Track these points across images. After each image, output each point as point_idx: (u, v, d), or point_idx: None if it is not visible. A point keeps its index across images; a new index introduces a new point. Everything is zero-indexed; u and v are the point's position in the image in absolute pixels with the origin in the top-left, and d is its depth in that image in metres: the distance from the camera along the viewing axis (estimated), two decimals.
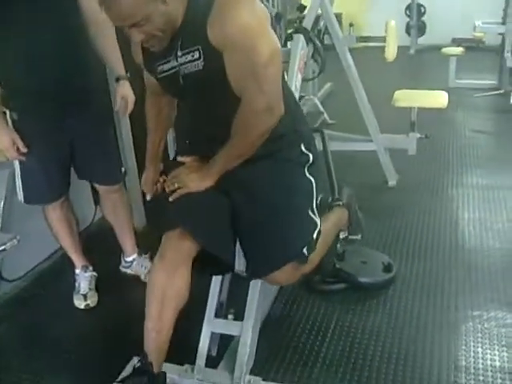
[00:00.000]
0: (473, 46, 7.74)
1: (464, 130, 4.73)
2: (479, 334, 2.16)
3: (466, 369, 1.98)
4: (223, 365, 1.93)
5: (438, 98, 3.50)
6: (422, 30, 8.68)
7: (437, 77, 6.21)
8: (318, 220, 1.78)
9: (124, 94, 2.28)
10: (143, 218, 3.11)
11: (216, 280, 2.00)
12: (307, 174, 1.78)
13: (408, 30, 8.72)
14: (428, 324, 2.22)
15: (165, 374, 1.69)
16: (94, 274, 2.58)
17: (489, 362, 2.01)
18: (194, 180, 1.64)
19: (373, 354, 2.07)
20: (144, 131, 3.06)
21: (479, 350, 2.08)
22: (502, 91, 5.49)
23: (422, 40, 8.62)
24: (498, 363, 2.00)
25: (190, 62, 1.52)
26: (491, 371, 1.96)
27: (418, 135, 3.49)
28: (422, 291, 2.45)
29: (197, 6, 1.48)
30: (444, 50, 6.23)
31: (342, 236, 2.20)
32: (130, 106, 2.30)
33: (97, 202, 3.12)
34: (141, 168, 3.07)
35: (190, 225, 1.61)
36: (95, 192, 2.98)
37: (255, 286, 1.93)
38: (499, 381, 1.92)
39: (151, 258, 2.65)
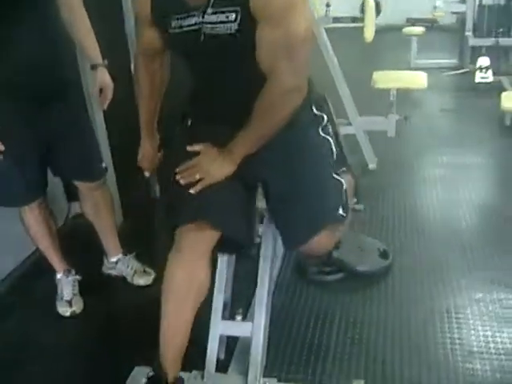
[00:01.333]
0: (427, 26, 7.81)
1: (434, 109, 4.74)
2: (485, 317, 2.13)
3: (480, 354, 1.94)
4: (234, 368, 1.82)
5: (417, 79, 3.47)
6: (377, 10, 8.68)
7: (398, 57, 6.23)
8: (341, 179, 1.71)
9: (103, 82, 2.11)
10: (120, 215, 2.95)
11: (220, 280, 1.88)
12: (323, 134, 1.68)
13: (363, 10, 8.72)
14: (434, 311, 2.18)
15: (182, 380, 1.58)
16: (77, 277, 2.40)
17: (500, 346, 1.98)
18: (218, 168, 1.51)
19: (383, 346, 2.01)
20: (119, 124, 2.93)
21: (488, 333, 2.05)
22: (466, 70, 5.53)
23: (377, 20, 8.61)
24: (509, 345, 1.97)
25: (221, 22, 1.37)
26: (504, 354, 1.93)
27: (398, 117, 3.44)
28: (421, 276, 2.40)
29: None
30: (405, 29, 6.24)
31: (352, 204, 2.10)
32: (110, 94, 2.14)
33: (70, 198, 2.96)
34: (116, 164, 2.94)
35: (210, 216, 1.51)
36: (69, 188, 2.82)
37: (263, 284, 1.83)
38: None
39: (137, 257, 2.53)
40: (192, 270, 1.54)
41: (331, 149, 1.70)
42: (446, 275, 2.40)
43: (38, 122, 2.00)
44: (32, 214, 2.21)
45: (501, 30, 5.40)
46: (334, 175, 1.70)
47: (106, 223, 2.42)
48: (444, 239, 2.70)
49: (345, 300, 2.27)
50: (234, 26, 1.36)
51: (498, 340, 2.00)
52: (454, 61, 6.00)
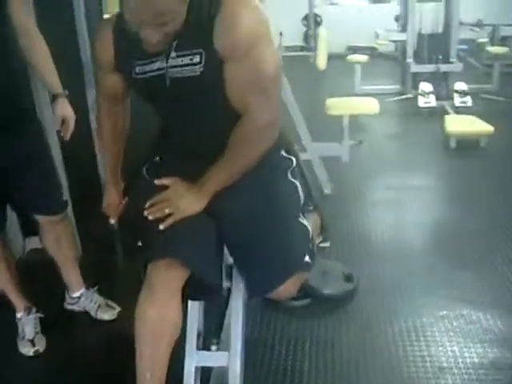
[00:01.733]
0: (368, 54, 8.09)
1: (382, 133, 4.90)
2: (451, 333, 2.19)
3: (449, 369, 1.99)
4: None
5: (369, 105, 3.57)
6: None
7: (342, 84, 6.42)
8: (307, 224, 1.69)
9: (65, 113, 2.06)
10: (79, 248, 2.87)
11: (192, 310, 1.85)
12: (291, 179, 1.68)
13: (306, 39, 8.98)
14: (402, 330, 2.22)
15: None
16: (39, 314, 2.31)
17: (468, 360, 2.03)
18: (189, 203, 1.48)
19: (356, 368, 2.02)
20: (76, 156, 2.86)
21: (455, 348, 2.10)
22: (409, 95, 5.75)
23: None
24: (476, 360, 2.03)
25: (186, 65, 1.38)
26: (472, 368, 1.98)
27: (351, 142, 3.53)
28: (387, 297, 2.45)
29: (199, 6, 1.35)
30: (349, 57, 6.45)
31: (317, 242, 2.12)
32: (71, 125, 2.10)
33: (26, 233, 2.87)
34: (73, 194, 2.87)
35: (180, 253, 1.46)
36: (24, 223, 2.73)
37: (237, 312, 1.80)
38: (483, 377, 1.94)
39: (99, 291, 2.46)
40: (164, 309, 1.49)
41: (298, 193, 1.69)
42: (411, 295, 2.46)
43: None
44: None
45: (440, 56, 5.67)
46: (300, 220, 1.67)
47: (67, 257, 2.34)
48: (404, 260, 2.77)
49: (313, 324, 2.28)
50: (200, 68, 1.37)
51: (466, 355, 2.06)
52: (397, 86, 6.24)
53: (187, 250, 1.48)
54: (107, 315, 2.37)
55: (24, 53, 1.95)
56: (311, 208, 2.10)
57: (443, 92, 5.58)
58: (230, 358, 1.76)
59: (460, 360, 2.03)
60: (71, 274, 2.40)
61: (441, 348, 2.11)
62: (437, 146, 4.55)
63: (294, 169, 1.71)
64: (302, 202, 1.70)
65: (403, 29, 6.11)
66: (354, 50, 8.23)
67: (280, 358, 2.09)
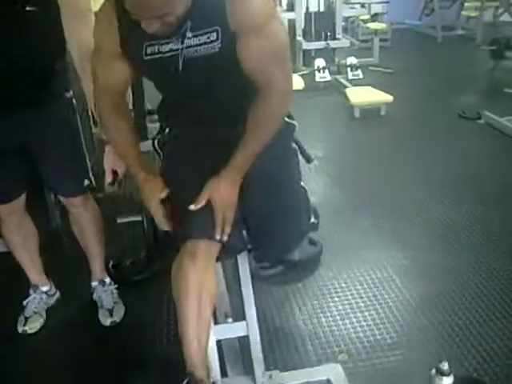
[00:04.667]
0: None
1: None
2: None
3: None
4: (233, 370, 1.83)
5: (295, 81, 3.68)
6: None
7: None
8: (305, 186, 1.81)
9: (112, 166, 1.88)
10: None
11: None
12: (293, 145, 1.78)
13: None
14: None
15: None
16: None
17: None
18: (230, 196, 1.52)
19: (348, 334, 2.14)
20: None
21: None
22: (305, 71, 5.97)
23: None
24: None
25: (203, 44, 1.40)
26: None
27: None
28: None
29: None
30: None
31: None
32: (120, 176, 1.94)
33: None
34: None
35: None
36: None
37: (246, 282, 1.85)
38: None
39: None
40: (205, 274, 1.51)
41: (298, 157, 1.80)
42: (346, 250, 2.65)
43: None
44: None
45: (328, 33, 5.97)
46: (302, 183, 1.78)
47: (88, 243, 2.22)
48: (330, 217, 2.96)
49: (295, 290, 2.40)
50: (218, 45, 1.40)
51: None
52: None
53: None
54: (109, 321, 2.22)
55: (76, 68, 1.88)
56: None
57: (333, 67, 5.88)
58: (248, 327, 1.81)
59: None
60: (92, 262, 2.27)
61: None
62: (342, 117, 4.82)
63: (294, 132, 1.79)
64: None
65: (291, 8, 6.32)
66: None
67: (275, 323, 2.18)
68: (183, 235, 1.54)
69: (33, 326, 2.18)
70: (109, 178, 1.87)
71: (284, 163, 1.69)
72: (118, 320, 2.21)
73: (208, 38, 1.39)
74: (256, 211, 1.64)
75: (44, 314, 2.24)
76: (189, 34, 1.40)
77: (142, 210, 2.15)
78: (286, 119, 1.73)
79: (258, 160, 1.55)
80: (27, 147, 1.93)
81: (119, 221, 2.58)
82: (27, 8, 1.68)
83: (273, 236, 1.70)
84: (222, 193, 1.50)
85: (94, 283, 2.29)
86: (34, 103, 1.84)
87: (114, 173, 1.87)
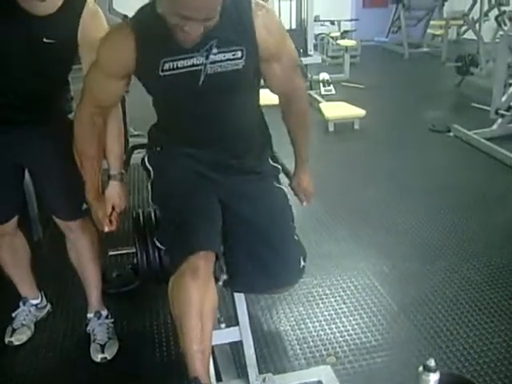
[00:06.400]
0: None
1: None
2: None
3: None
4: (227, 375, 1.88)
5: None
6: None
7: None
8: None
9: (113, 201, 1.87)
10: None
11: None
12: (278, 185, 1.88)
13: None
14: None
15: None
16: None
17: None
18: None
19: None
20: None
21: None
22: None
23: None
24: None
25: (228, 60, 1.49)
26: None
27: None
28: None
29: (229, 4, 1.45)
30: None
31: None
32: (117, 213, 1.91)
33: None
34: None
35: (216, 246, 1.63)
36: None
37: None
38: None
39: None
40: (205, 290, 1.55)
41: (288, 197, 1.87)
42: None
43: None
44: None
45: (301, 50, 6.10)
46: (294, 224, 1.86)
47: (85, 270, 2.15)
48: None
49: None
50: (241, 62, 1.51)
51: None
52: None
53: (218, 243, 1.65)
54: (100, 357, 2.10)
55: None
56: None
57: (307, 83, 6.01)
58: (241, 332, 1.87)
59: None
60: (89, 292, 2.19)
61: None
62: (317, 131, 4.93)
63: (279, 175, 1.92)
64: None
65: None
66: None
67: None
68: (184, 251, 1.57)
69: (19, 337, 2.17)
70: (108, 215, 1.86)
71: (283, 207, 1.82)
72: (109, 357, 2.08)
73: (233, 54, 1.49)
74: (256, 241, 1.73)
75: (32, 326, 2.24)
76: (214, 50, 1.47)
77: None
78: (272, 163, 1.86)
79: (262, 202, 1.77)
80: (25, 166, 1.95)
81: (111, 253, 2.68)
82: (45, 40, 1.70)
83: (264, 270, 1.75)
84: (308, 180, 1.97)
85: (90, 315, 2.18)
86: (33, 123, 1.85)
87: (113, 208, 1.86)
